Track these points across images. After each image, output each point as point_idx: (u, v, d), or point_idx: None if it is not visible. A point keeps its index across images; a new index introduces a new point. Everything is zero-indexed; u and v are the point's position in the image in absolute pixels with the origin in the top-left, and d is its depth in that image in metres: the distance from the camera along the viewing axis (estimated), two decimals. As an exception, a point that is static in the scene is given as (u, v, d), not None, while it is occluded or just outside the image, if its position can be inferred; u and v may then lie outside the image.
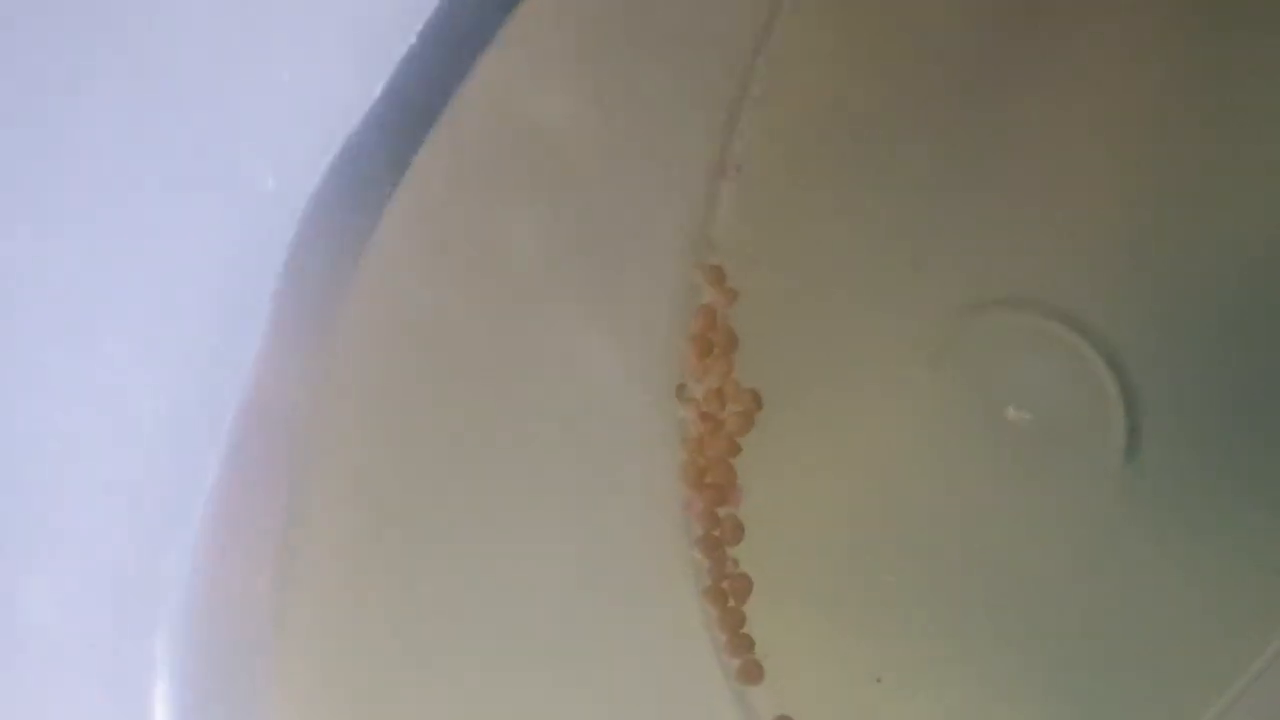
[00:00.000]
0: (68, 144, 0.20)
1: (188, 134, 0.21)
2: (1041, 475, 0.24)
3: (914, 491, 0.25)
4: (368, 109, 0.21)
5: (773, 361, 0.25)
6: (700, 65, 0.25)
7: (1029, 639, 0.24)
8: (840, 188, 0.25)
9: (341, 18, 0.22)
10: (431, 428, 0.24)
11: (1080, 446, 0.24)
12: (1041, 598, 0.24)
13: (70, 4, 0.20)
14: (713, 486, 0.25)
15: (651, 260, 0.25)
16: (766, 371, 0.25)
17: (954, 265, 0.25)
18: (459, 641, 0.23)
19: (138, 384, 0.21)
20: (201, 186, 0.21)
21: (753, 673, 0.24)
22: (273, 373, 0.22)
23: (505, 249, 0.24)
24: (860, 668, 0.24)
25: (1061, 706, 0.23)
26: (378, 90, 0.22)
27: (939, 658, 0.24)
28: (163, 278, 0.21)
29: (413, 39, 0.22)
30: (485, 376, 0.24)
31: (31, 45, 0.20)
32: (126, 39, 0.20)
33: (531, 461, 0.24)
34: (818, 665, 0.24)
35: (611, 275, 0.25)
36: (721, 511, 0.25)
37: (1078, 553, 0.24)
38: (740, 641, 0.24)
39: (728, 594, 0.24)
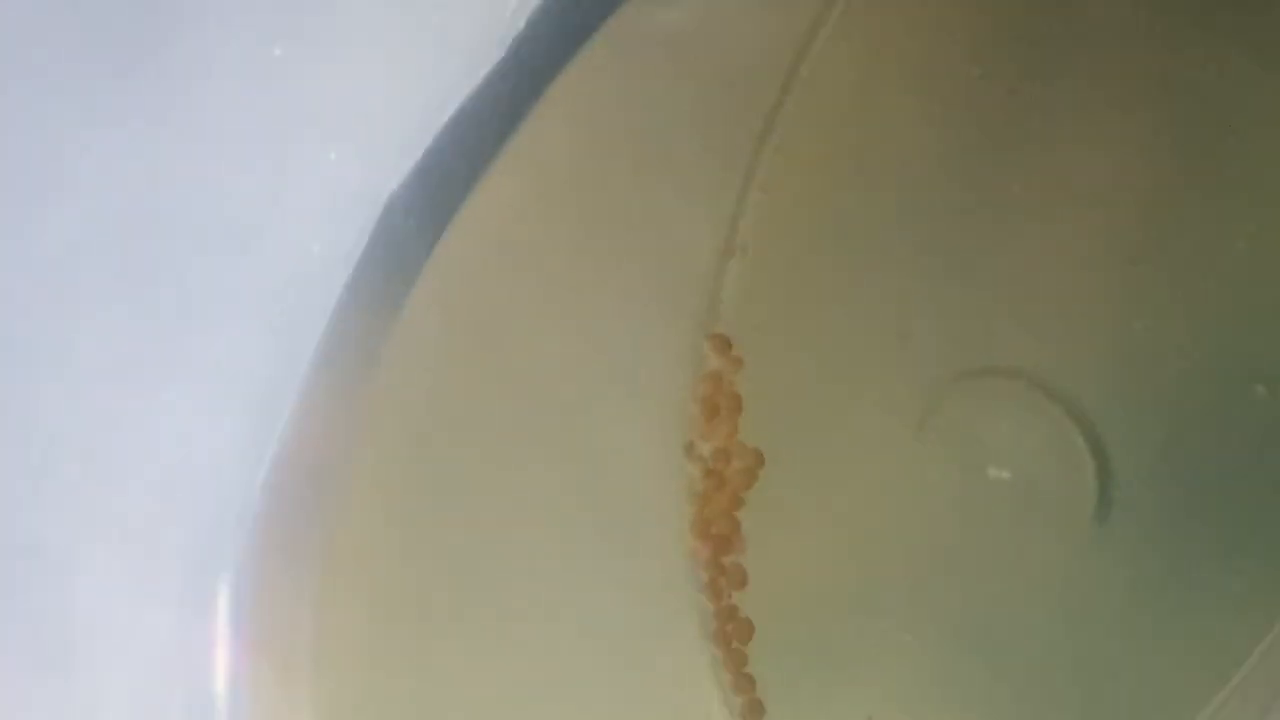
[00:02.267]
0: (139, 211, 0.22)
1: (244, 205, 0.22)
2: (1018, 532, 0.24)
3: (902, 543, 0.25)
4: (402, 183, 0.23)
5: (774, 423, 0.25)
6: (709, 157, 0.25)
7: (1009, 683, 0.24)
8: (835, 267, 0.26)
9: (380, 99, 0.23)
10: (456, 479, 0.24)
11: (1053, 507, 0.24)
12: (1020, 644, 0.24)
13: (144, 87, 0.21)
14: (718, 537, 0.25)
15: (664, 331, 0.25)
16: (768, 432, 0.25)
17: (938, 338, 0.25)
18: (476, 672, 0.24)
19: (192, 426, 0.23)
20: (254, 250, 0.22)
21: (754, 710, 0.25)
22: (313, 420, 0.23)
23: (529, 320, 0.25)
24: (853, 707, 0.24)
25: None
26: (412, 166, 0.23)
27: (925, 700, 0.25)
28: (218, 330, 0.22)
29: (445, 121, 0.23)
30: (508, 429, 0.25)
31: (112, 127, 0.21)
32: (190, 113, 0.22)
33: (550, 512, 0.25)
34: (814, 704, 0.25)
35: (628, 344, 0.25)
36: (726, 560, 0.25)
37: (1053, 604, 0.24)
38: (743, 681, 0.25)
39: (731, 636, 0.25)
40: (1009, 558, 0.24)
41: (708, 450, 0.25)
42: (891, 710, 0.24)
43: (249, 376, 0.23)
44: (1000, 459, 0.24)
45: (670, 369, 0.25)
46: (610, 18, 0.23)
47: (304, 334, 0.23)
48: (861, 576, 0.25)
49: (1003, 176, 0.25)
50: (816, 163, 0.26)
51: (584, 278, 0.25)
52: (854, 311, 0.25)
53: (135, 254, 0.22)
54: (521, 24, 0.23)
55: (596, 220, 0.25)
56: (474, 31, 0.24)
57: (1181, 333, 0.24)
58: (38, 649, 0.22)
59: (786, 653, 0.25)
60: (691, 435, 0.25)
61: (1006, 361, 0.25)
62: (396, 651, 0.24)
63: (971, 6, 0.26)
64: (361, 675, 0.24)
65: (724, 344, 0.26)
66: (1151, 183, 0.24)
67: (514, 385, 0.25)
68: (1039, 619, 0.24)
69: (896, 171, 0.25)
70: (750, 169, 0.25)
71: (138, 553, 0.22)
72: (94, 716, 0.22)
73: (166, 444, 0.23)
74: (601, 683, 0.25)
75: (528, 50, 0.24)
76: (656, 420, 0.25)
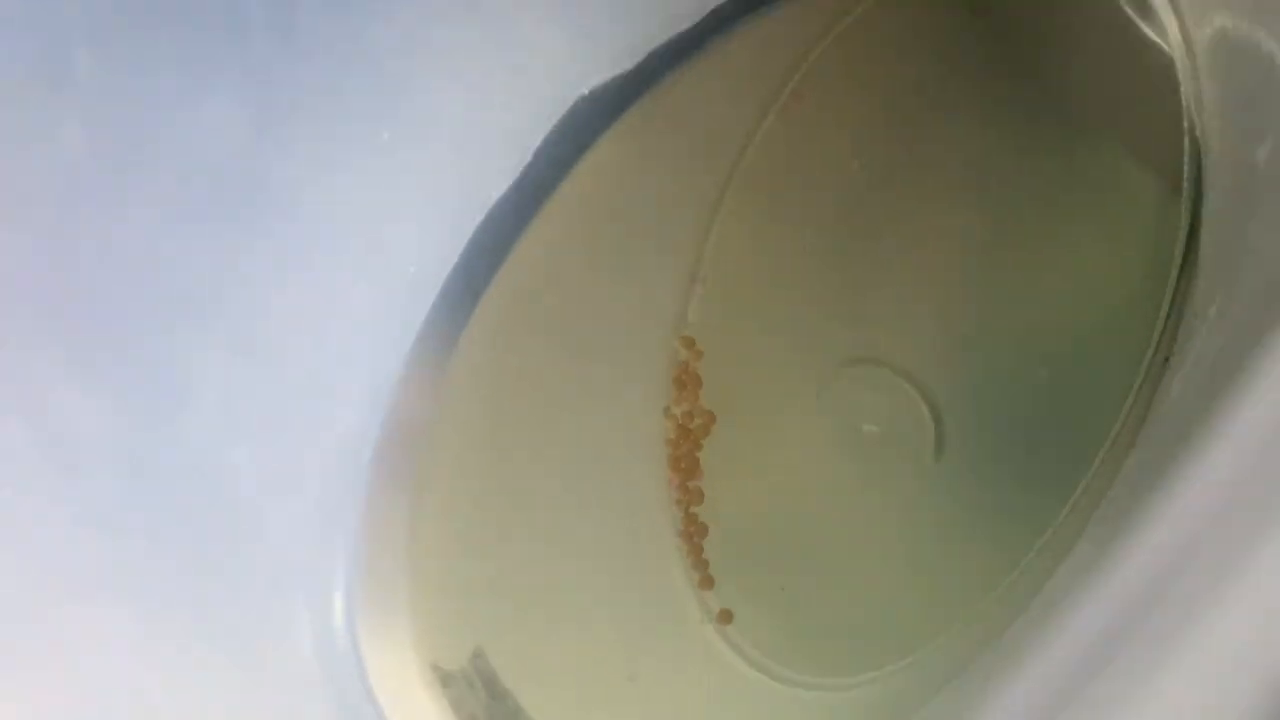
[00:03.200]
0: (277, 255, 0.28)
1: (361, 238, 0.29)
2: (883, 466, 0.28)
3: (807, 475, 0.29)
4: (473, 233, 0.31)
5: (723, 394, 0.31)
6: (682, 223, 0.32)
7: (875, 569, 0.28)
8: (765, 290, 0.31)
9: (455, 172, 0.30)
10: (509, 433, 0.31)
11: (907, 450, 0.28)
12: (882, 542, 0.28)
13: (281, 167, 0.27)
14: (685, 469, 0.31)
15: (651, 332, 0.31)
16: (719, 400, 0.31)
17: (830, 338, 0.29)
18: (520, 557, 0.30)
19: (315, 403, 0.29)
20: (366, 270, 0.29)
21: (707, 583, 0.30)
22: (407, 403, 0.30)
23: (563, 330, 0.32)
24: (775, 583, 0.29)
25: (879, 604, 0.29)
26: (487, 210, 0.31)
27: (823, 580, 0.29)
28: (337, 332, 0.29)
29: (498, 197, 0.31)
30: (545, 398, 0.32)
31: (262, 212, 0.27)
32: (324, 191, 0.28)
33: (575, 455, 0.31)
34: (748, 581, 0.29)
35: (626, 341, 0.32)
36: (690, 484, 0.31)
37: (905, 514, 0.28)
38: (700, 564, 0.30)
39: (693, 535, 0.30)
40: (877, 484, 0.29)
41: (679, 412, 0.31)
42: (798, 589, 0.29)
43: (358, 367, 0.30)
44: (870, 418, 0.29)
45: (654, 358, 0.31)
46: (607, 132, 0.32)
47: (404, 331, 0.31)
48: (781, 497, 0.30)
49: (876, 234, 0.30)
50: (750, 224, 0.32)
51: (598, 297, 0.32)
52: (775, 320, 0.31)
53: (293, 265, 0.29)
54: (558, 117, 0.31)
55: (607, 260, 0.33)
56: (518, 123, 0.31)
57: (993, 334, 0.27)
58: (214, 529, 0.26)
59: (730, 546, 0.30)
60: (668, 402, 0.31)
61: (874, 354, 0.29)
62: (464, 545, 0.31)
63: (854, 121, 0.32)
64: (444, 555, 0.31)
65: (690, 341, 0.32)
66: (975, 239, 0.28)
67: (550, 369, 0.32)
68: (897, 524, 0.28)
69: (804, 232, 0.31)
70: (706, 231, 0.32)
71: (294, 471, 0.28)
72: (247, 567, 0.27)
73: (311, 398, 0.29)
74: (605, 566, 0.30)
75: (555, 143, 0.31)
76: (645, 392, 0.31)
